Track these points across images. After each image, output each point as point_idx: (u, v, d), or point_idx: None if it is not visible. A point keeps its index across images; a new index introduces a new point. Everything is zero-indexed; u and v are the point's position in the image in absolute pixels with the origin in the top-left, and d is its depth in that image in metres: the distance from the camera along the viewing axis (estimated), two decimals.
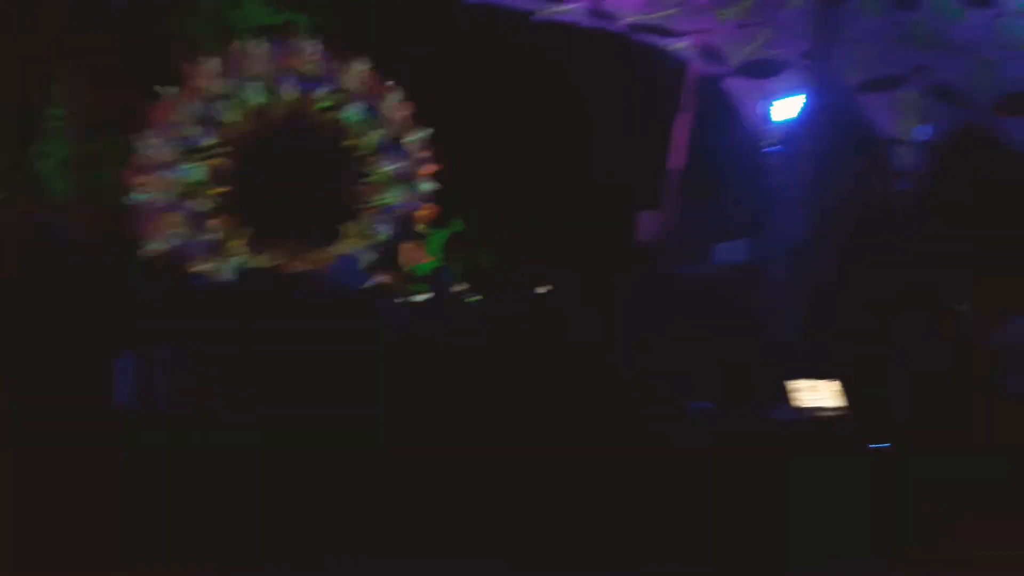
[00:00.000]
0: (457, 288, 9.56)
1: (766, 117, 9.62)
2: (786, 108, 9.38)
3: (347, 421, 5.62)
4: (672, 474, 5.52)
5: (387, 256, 12.15)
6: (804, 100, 9.32)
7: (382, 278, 11.84)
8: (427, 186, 13.71)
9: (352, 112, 13.19)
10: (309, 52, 13.12)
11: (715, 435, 5.77)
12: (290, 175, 12.63)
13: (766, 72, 14.02)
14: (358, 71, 13.43)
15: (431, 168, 13.72)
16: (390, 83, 13.63)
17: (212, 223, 12.69)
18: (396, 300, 10.01)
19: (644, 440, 5.69)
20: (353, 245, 12.63)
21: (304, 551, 5.13)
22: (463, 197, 14.01)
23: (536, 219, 15.93)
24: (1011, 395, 7.63)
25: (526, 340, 6.53)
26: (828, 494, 5.73)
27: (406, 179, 13.45)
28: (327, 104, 13.30)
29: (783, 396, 6.28)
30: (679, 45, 14.08)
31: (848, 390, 6.80)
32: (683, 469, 5.51)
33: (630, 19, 13.12)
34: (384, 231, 12.88)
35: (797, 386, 6.47)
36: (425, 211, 13.42)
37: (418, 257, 12.55)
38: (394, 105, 13.56)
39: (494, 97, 17.41)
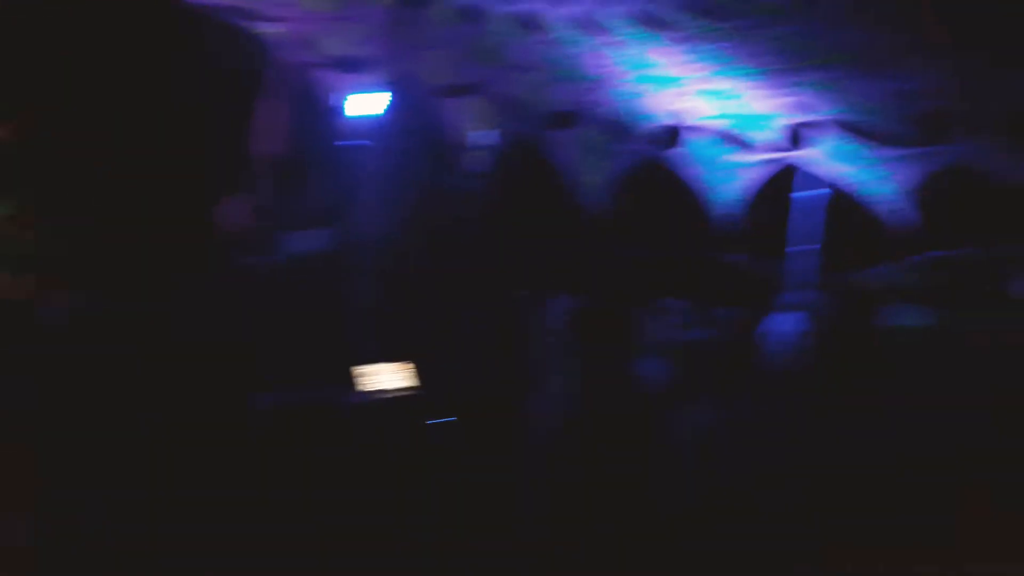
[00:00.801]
0: None
1: (350, 110, 9.90)
2: (368, 104, 9.75)
3: None
4: (241, 467, 5.38)
5: None
6: (386, 98, 9.76)
7: None
8: None
9: None
10: None
11: (283, 423, 5.77)
12: None
13: (352, 67, 14.42)
14: None
15: None
16: None
17: None
18: None
19: (209, 437, 5.46)
20: None
21: None
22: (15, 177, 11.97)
23: (101, 204, 14.24)
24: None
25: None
26: (398, 475, 6.02)
27: None
28: None
29: (354, 380, 6.53)
30: (262, 29, 13.79)
31: (418, 373, 7.25)
32: (251, 461, 5.41)
33: None
34: None
35: (369, 370, 6.77)
36: None
37: None
38: None
39: (63, 71, 15.20)
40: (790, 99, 12.98)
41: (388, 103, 11.56)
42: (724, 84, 12.94)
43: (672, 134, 16.19)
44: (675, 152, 16.42)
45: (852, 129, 13.92)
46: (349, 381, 6.40)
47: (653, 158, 16.79)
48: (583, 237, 16.57)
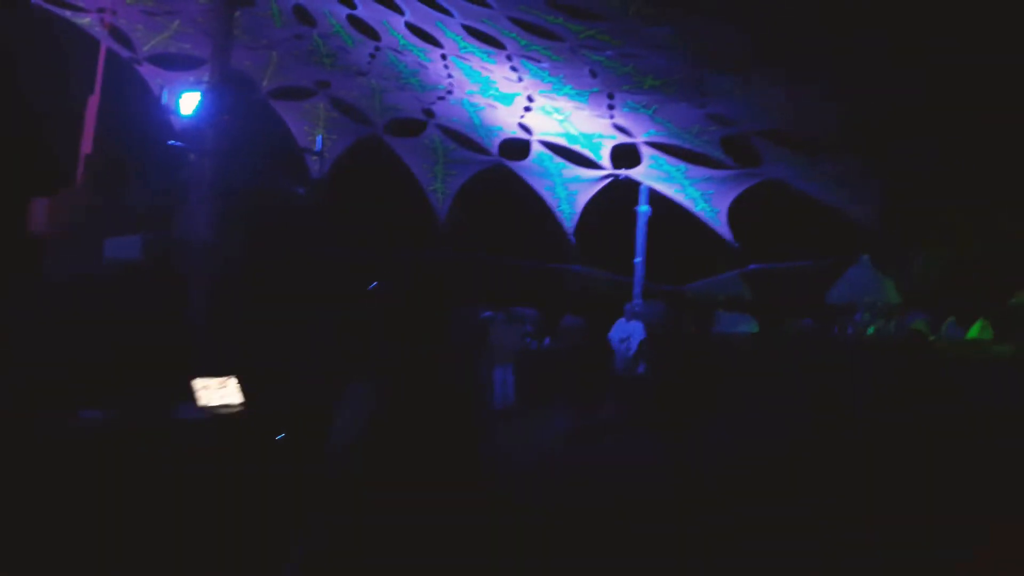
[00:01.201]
0: None
1: (176, 109, 9.21)
2: (195, 102, 9.10)
3: None
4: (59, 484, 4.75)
5: None
6: (212, 97, 9.15)
7: None
8: None
9: None
10: None
11: (107, 441, 5.18)
12: None
13: (175, 64, 13.58)
14: None
15: None
16: None
17: None
18: None
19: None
20: None
21: None
22: None
23: None
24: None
25: None
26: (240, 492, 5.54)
27: None
28: None
29: (188, 395, 5.99)
30: (86, 21, 12.82)
31: (251, 386, 6.78)
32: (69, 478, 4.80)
33: None
34: None
35: (201, 384, 6.25)
36: None
37: None
38: None
39: None
40: (611, 120, 13.53)
41: (219, 104, 10.88)
42: (557, 103, 13.30)
43: (517, 147, 16.53)
44: (521, 164, 16.79)
45: (668, 151, 14.87)
46: (172, 396, 5.85)
47: (499, 169, 17.08)
48: (425, 244, 16.47)
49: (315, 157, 13.63)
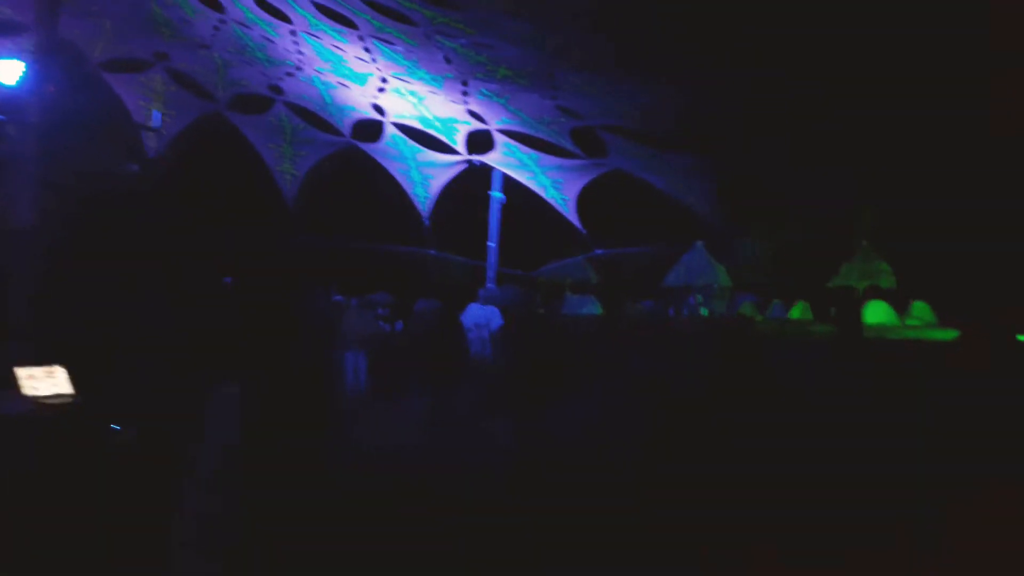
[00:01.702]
0: None
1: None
2: (18, 72, 8.34)
3: None
4: None
5: None
6: (37, 67, 8.42)
7: None
8: None
9: None
10: None
11: None
12: None
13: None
14: None
15: None
16: None
17: None
18: None
19: None
20: None
21: None
22: None
23: None
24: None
25: None
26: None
27: None
28: None
29: (10, 385, 5.59)
30: None
31: (77, 376, 6.41)
32: None
33: None
34: None
35: (26, 373, 5.84)
36: None
37: None
38: None
39: None
40: (466, 106, 13.70)
41: (44, 74, 10.07)
42: (412, 86, 13.28)
43: (371, 128, 16.29)
44: (374, 147, 16.57)
45: (521, 139, 15.27)
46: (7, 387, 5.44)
47: (352, 150, 16.77)
48: (274, 227, 15.95)
49: (151, 133, 12.85)
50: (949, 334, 11.87)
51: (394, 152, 16.24)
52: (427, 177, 17.07)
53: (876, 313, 13.75)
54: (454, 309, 12.83)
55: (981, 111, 9.32)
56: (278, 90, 14.65)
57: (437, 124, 15.14)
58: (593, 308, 16.45)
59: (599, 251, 17.49)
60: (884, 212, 14.97)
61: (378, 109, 15.12)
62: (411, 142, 15.92)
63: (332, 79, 13.93)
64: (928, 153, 11.45)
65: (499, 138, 14.88)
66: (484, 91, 12.64)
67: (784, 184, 15.09)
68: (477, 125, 14.68)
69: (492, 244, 17.37)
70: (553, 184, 15.85)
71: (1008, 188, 10.45)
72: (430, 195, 17.21)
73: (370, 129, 15.97)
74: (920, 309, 13.80)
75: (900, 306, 14.08)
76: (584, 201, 16.01)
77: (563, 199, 16.12)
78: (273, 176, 16.01)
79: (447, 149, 15.96)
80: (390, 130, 15.62)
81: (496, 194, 17.20)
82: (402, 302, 14.20)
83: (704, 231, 15.76)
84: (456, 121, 14.83)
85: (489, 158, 15.74)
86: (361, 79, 13.66)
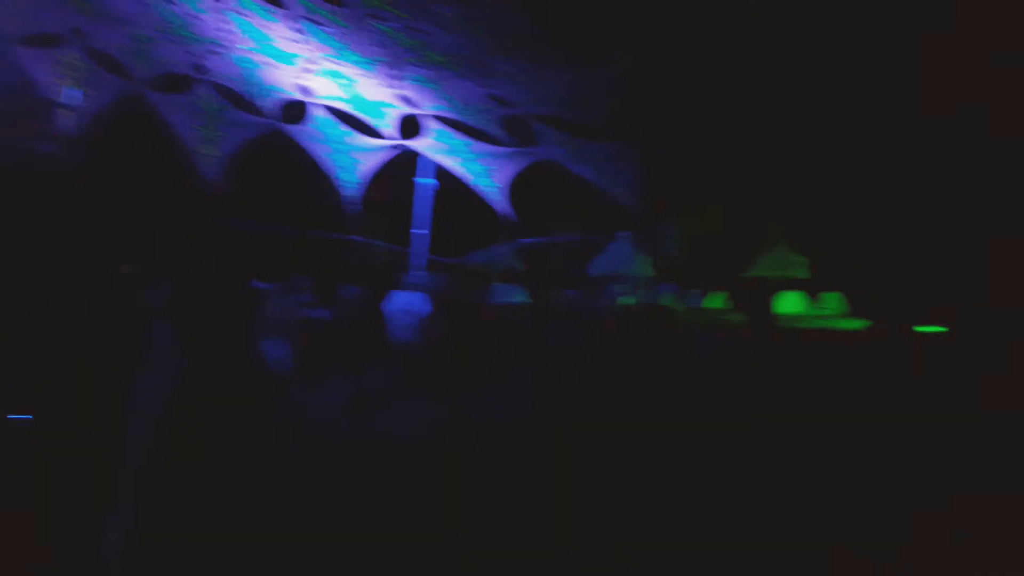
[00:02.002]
0: None
1: None
2: None
3: None
4: None
5: None
6: None
7: None
8: None
9: None
10: None
11: None
12: None
13: None
14: None
15: None
16: None
17: None
18: None
19: None
20: None
21: None
22: None
23: None
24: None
25: None
26: None
27: None
28: None
29: None
30: None
31: None
32: None
33: None
34: None
35: None
36: None
37: None
38: None
39: None
40: (397, 91, 13.65)
41: None
42: (342, 68, 13.14)
43: (297, 110, 15.99)
44: (300, 129, 16.27)
45: (452, 125, 15.23)
46: None
47: (277, 133, 16.42)
48: (197, 209, 15.51)
49: (69, 113, 12.31)
50: (858, 324, 12.57)
51: (320, 135, 16.01)
52: (355, 161, 16.90)
53: (789, 303, 14.38)
54: (380, 296, 12.81)
55: (906, 107, 9.84)
56: (202, 69, 14.24)
57: (367, 107, 15.01)
58: (520, 297, 16.65)
59: (526, 240, 17.69)
60: (801, 208, 15.64)
61: (305, 90, 14.88)
62: (340, 125, 15.73)
63: (257, 58, 13.63)
64: (846, 153, 12.01)
65: (430, 123, 14.87)
66: (416, 76, 12.61)
67: (706, 177, 15.56)
68: (408, 110, 14.62)
69: (420, 231, 17.36)
70: (484, 171, 15.93)
71: (920, 189, 11.07)
72: (358, 180, 17.05)
73: (296, 111, 15.70)
74: (832, 300, 14.50)
75: (813, 297, 14.76)
76: (512, 189, 16.16)
77: (494, 187, 16.23)
78: (193, 158, 15.55)
79: (377, 133, 15.85)
80: (317, 112, 15.40)
81: (425, 180, 17.18)
82: (325, 288, 14.06)
83: (629, 222, 16.13)
84: (387, 105, 14.73)
85: (420, 143, 15.71)
86: (288, 59, 13.42)
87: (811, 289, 15.15)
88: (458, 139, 14.97)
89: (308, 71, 13.81)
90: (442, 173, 16.56)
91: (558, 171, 14.91)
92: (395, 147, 16.25)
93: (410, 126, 15.20)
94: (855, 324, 12.29)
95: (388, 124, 15.46)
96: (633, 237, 16.64)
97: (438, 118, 14.46)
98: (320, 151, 16.35)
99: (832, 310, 14.52)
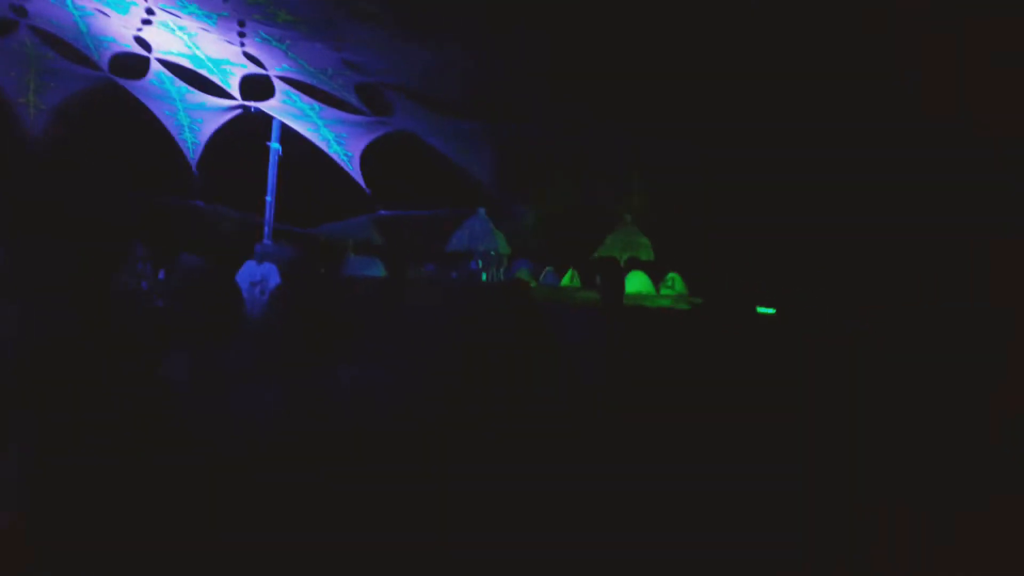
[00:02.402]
0: None
1: None
2: None
3: None
4: None
5: None
6: None
7: None
8: None
9: None
10: None
11: None
12: None
13: None
14: None
15: None
16: None
17: None
18: None
19: None
20: None
21: None
22: None
23: None
24: None
25: None
26: None
27: None
28: None
29: None
30: None
31: None
32: None
33: None
34: None
35: None
36: None
37: None
38: None
39: None
40: (241, 48, 12.92)
41: None
42: (183, 21, 12.26)
43: (134, 63, 14.78)
44: (137, 84, 15.06)
45: (302, 89, 14.62)
46: None
47: (114, 87, 15.12)
48: (23, 166, 14.10)
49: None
50: (698, 302, 13.32)
51: (159, 91, 14.90)
52: (197, 121, 15.90)
53: (635, 283, 15.00)
54: (225, 265, 12.20)
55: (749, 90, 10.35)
56: (22, 11, 12.83)
57: (209, 65, 14.09)
58: (376, 270, 16.36)
59: (384, 212, 17.39)
60: (648, 191, 16.33)
61: (142, 43, 13.77)
62: (179, 82, 14.71)
63: (88, 5, 12.46)
64: (687, 136, 12.54)
65: (279, 85, 14.19)
66: (263, 34, 11.94)
67: (560, 157, 15.89)
68: (254, 69, 13.86)
69: (269, 198, 16.63)
70: (336, 139, 15.44)
71: (760, 174, 11.71)
72: (200, 141, 16.06)
73: (133, 65, 14.51)
74: (673, 280, 15.24)
75: (657, 277, 15.47)
76: (369, 159, 15.78)
77: (347, 155, 15.77)
78: (16, 109, 14.06)
79: (220, 92, 14.94)
80: (156, 67, 14.31)
81: (274, 145, 16.45)
82: (163, 255, 13.24)
83: (486, 198, 16.23)
84: (230, 63, 13.89)
85: (268, 106, 14.97)
86: (122, 7, 12.34)
87: (656, 270, 15.87)
88: (307, 104, 14.39)
89: (146, 22, 12.78)
90: (298, 139, 15.90)
91: (417, 144, 14.71)
92: (241, 108, 15.41)
93: (258, 87, 14.44)
94: (696, 303, 12.99)
95: (232, 84, 14.61)
96: (490, 213, 16.76)
97: (286, 80, 13.81)
98: (160, 108, 15.22)
99: (674, 290, 15.28)
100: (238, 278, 11.18)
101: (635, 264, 15.88)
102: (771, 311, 9.32)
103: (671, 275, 15.41)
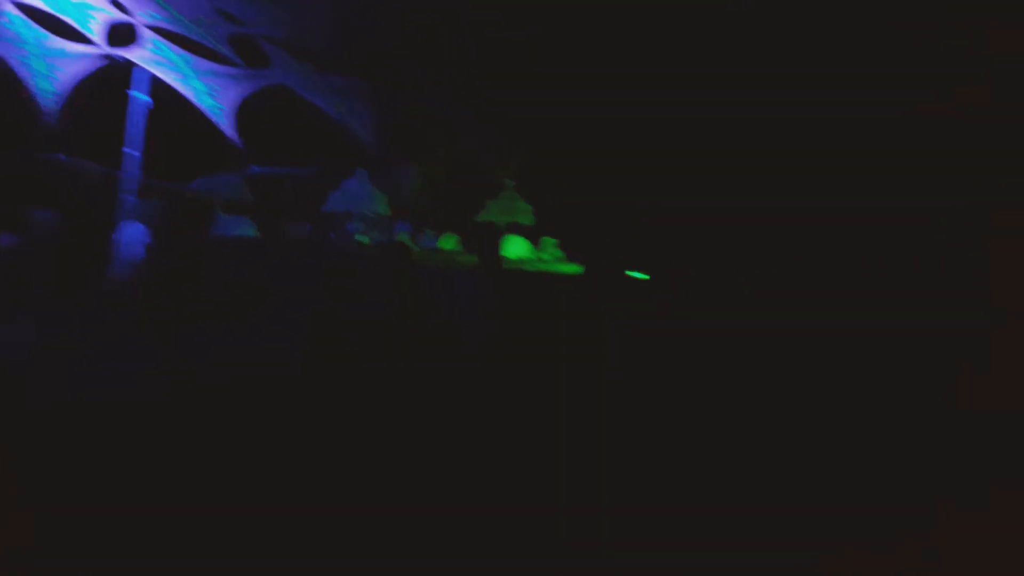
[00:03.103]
0: None
1: None
2: None
3: None
4: None
5: None
6: None
7: None
8: None
9: None
10: None
11: None
12: None
13: None
14: None
15: None
16: None
17: None
18: None
19: None
20: None
21: None
22: None
23: None
24: None
25: None
26: None
27: None
28: None
29: None
30: None
31: None
32: None
33: None
34: None
35: None
36: None
37: None
38: None
39: None
40: None
41: None
42: None
43: None
44: None
45: (171, 38, 13.93)
46: None
47: None
48: None
49: None
50: (574, 268, 13.75)
51: (10, 35, 13.73)
52: (53, 68, 14.78)
53: (515, 248, 15.30)
54: (83, 221, 11.56)
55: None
56: None
57: (68, 7, 13.12)
58: (247, 230, 15.85)
59: (256, 168, 16.79)
60: (529, 156, 16.57)
61: None
62: (34, 25, 13.61)
63: None
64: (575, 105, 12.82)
65: (146, 33, 13.40)
66: None
67: (441, 120, 15.85)
68: (119, 16, 13.04)
69: (132, 152, 15.71)
70: (208, 91, 14.76)
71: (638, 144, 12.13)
72: (58, 90, 14.95)
73: None
74: (550, 245, 15.63)
75: (535, 242, 15.81)
76: (243, 113, 15.18)
77: (218, 108, 15.12)
78: None
79: (81, 39, 13.94)
80: (7, 8, 13.17)
81: (138, 95, 15.52)
82: (18, 212, 12.38)
83: (365, 159, 15.98)
84: (92, 8, 13.00)
85: (134, 54, 14.10)
86: None
87: (534, 234, 16.19)
88: (178, 53, 13.68)
89: None
90: (164, 89, 15.06)
91: (294, 100, 14.30)
92: (103, 56, 14.45)
93: (123, 34, 13.58)
94: (572, 268, 13.41)
95: (94, 29, 13.67)
96: (370, 175, 16.53)
97: (155, 29, 13.06)
98: (12, 53, 14.02)
99: (551, 255, 15.66)
100: (116, 237, 10.62)
101: (515, 229, 16.15)
102: (645, 276, 9.78)
103: (547, 239, 15.78)
